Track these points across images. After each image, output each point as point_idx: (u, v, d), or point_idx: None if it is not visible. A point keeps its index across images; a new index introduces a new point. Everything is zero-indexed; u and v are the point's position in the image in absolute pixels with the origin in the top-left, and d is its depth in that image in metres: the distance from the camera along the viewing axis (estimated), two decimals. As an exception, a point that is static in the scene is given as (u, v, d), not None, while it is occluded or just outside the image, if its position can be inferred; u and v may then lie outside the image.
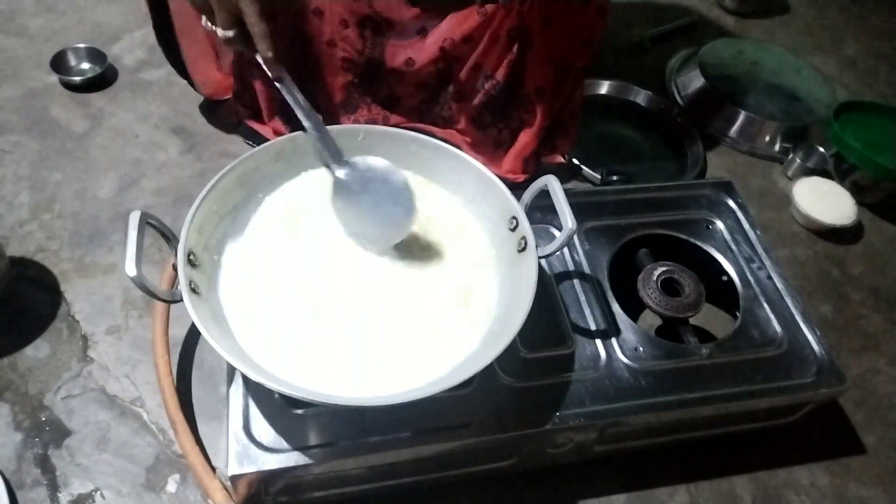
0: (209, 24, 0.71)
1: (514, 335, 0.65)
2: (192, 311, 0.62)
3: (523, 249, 0.73)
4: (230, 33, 0.70)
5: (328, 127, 0.77)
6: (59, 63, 1.20)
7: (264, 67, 0.72)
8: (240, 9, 0.68)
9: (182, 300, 0.63)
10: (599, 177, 1.13)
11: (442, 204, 0.82)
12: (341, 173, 0.75)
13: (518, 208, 0.75)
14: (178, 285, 0.65)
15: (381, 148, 0.80)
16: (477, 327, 0.72)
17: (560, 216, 0.73)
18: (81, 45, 1.23)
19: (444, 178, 0.82)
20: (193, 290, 0.65)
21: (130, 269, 0.61)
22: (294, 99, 0.73)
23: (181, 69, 1.07)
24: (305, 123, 0.74)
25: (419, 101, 1.04)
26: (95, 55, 1.22)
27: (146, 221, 0.66)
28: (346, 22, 0.93)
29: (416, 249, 0.78)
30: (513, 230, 0.75)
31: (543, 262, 0.80)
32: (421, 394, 0.62)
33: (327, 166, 0.76)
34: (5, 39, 1.27)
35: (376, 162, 0.76)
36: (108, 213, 1.02)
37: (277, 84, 0.73)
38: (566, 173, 1.15)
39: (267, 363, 0.66)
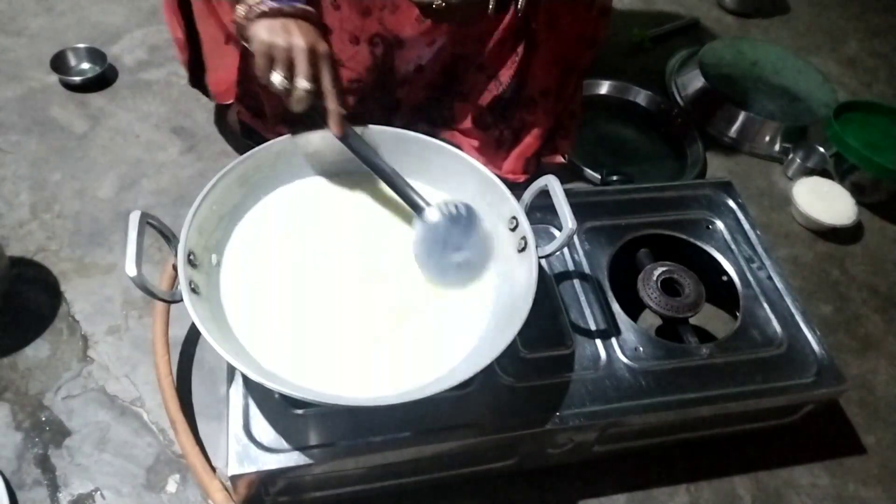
0: (280, 80, 0.74)
1: (514, 335, 0.65)
2: (192, 311, 0.62)
3: (523, 249, 0.73)
4: (310, 86, 0.73)
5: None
6: (59, 63, 1.20)
7: (330, 125, 0.75)
8: (319, 68, 0.74)
9: (182, 300, 0.63)
10: (599, 177, 1.13)
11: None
12: (430, 214, 0.74)
13: (518, 208, 0.75)
14: (178, 285, 0.65)
15: (383, 148, 0.80)
16: (477, 327, 0.72)
17: (560, 216, 0.73)
18: (81, 45, 1.23)
19: (445, 179, 0.81)
20: (193, 290, 0.65)
21: (130, 269, 0.61)
22: (364, 155, 0.76)
23: (197, 80, 1.06)
24: (384, 178, 0.76)
25: (422, 102, 1.04)
26: (95, 55, 1.22)
27: (146, 221, 0.66)
28: (357, 39, 0.92)
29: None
30: (513, 230, 0.75)
31: (543, 262, 0.80)
32: (421, 394, 0.62)
33: (414, 209, 0.76)
34: (5, 39, 1.27)
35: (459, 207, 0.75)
36: (108, 213, 1.02)
37: (342, 141, 0.76)
38: (566, 173, 1.15)
39: (267, 363, 0.66)
